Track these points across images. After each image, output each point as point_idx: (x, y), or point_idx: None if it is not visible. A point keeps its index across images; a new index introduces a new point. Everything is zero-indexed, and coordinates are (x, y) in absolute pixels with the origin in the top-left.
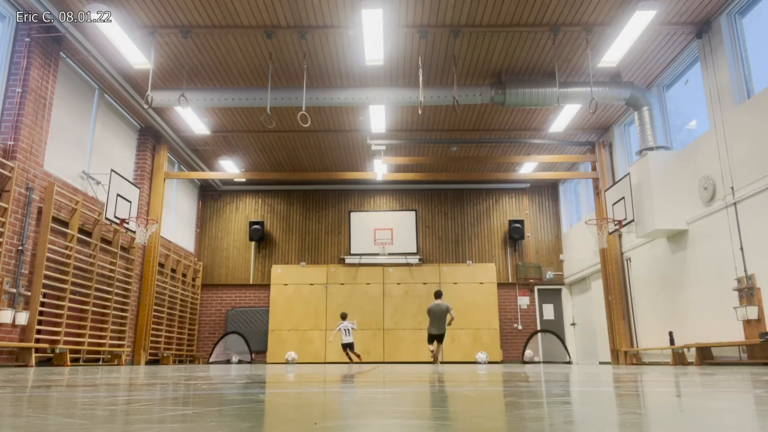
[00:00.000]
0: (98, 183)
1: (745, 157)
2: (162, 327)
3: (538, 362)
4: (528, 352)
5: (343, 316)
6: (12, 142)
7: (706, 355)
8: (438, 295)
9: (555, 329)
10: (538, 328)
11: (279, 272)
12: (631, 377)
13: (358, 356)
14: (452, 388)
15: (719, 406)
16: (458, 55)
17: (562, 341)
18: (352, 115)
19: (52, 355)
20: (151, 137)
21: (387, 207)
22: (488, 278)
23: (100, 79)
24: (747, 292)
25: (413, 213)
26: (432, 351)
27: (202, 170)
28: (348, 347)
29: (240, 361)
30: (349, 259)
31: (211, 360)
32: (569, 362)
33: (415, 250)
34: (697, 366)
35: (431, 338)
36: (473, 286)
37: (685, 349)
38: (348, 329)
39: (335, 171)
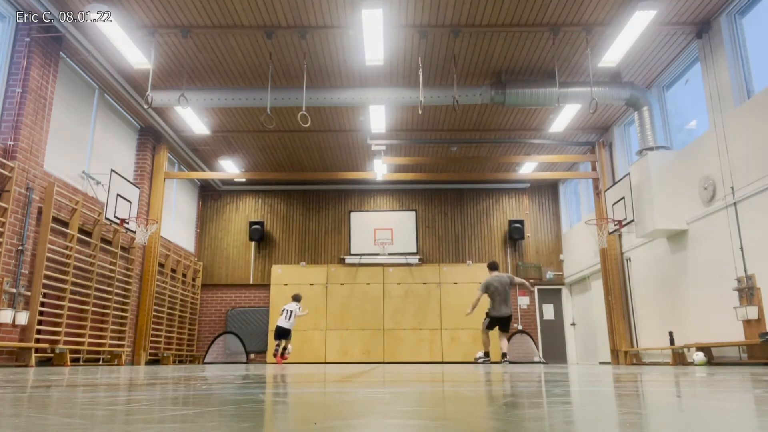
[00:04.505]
0: (98, 183)
1: (745, 157)
2: (162, 327)
3: (515, 362)
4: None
5: (296, 298)
6: (12, 142)
7: (706, 355)
8: (493, 266)
9: (555, 329)
10: (539, 328)
11: (279, 272)
12: (630, 377)
13: (285, 353)
14: (452, 388)
15: (719, 406)
16: (458, 55)
17: (535, 342)
18: (352, 115)
19: (52, 355)
20: (151, 137)
21: (387, 207)
22: None
23: (100, 79)
24: (747, 292)
25: (413, 213)
26: (484, 341)
27: (202, 170)
28: (284, 335)
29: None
30: (349, 259)
31: (206, 361)
32: (542, 362)
33: (415, 250)
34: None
35: (495, 322)
36: (473, 286)
37: (686, 349)
38: (290, 312)
39: (335, 171)
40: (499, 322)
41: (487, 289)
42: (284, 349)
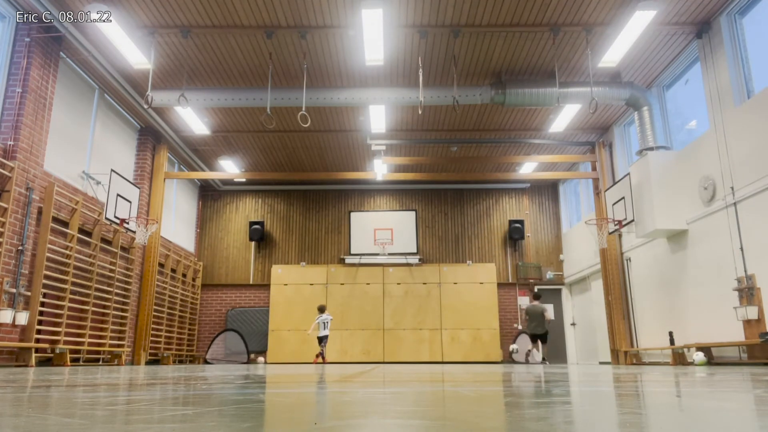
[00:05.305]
0: (98, 183)
1: (745, 157)
2: (162, 327)
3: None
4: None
5: (321, 309)
6: (12, 142)
7: (706, 355)
8: (535, 296)
9: (555, 329)
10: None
11: (279, 272)
12: (630, 377)
13: (322, 355)
14: (452, 388)
15: (719, 406)
16: (458, 55)
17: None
18: (352, 115)
19: (52, 355)
20: (151, 137)
21: (387, 207)
22: (488, 278)
23: (100, 79)
24: (747, 292)
25: (413, 213)
26: (529, 349)
27: (202, 170)
28: (323, 340)
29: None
30: (349, 259)
31: (207, 357)
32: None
33: (415, 250)
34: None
35: (533, 337)
36: (473, 286)
37: (686, 349)
38: (326, 322)
39: (335, 171)
40: (535, 337)
41: (527, 312)
42: (321, 354)
